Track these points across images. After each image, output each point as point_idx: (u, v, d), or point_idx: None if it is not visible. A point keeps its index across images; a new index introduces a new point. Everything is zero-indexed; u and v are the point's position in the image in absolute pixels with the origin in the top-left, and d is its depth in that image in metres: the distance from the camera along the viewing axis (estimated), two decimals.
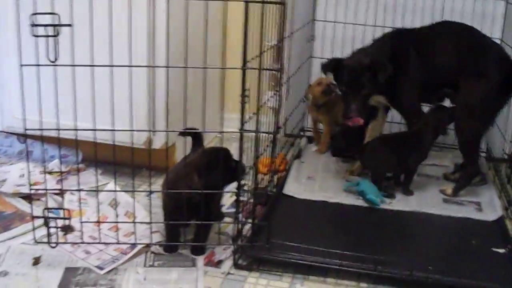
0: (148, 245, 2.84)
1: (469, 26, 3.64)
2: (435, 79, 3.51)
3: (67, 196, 3.24)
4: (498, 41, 4.06)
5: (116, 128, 2.60)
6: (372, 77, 3.32)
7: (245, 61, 2.52)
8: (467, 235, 3.18)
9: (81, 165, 3.69)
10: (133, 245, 2.83)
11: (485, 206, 3.49)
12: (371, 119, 3.58)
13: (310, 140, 4.43)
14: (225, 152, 2.77)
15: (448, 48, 3.51)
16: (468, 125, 3.48)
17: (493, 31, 4.21)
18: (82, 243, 2.79)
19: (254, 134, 2.70)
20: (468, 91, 3.41)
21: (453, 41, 3.52)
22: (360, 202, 3.41)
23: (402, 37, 3.58)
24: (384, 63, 3.36)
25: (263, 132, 2.71)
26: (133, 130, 2.63)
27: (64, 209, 2.81)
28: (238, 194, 2.76)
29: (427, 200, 3.50)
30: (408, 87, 3.51)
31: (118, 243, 2.82)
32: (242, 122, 2.62)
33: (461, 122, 3.47)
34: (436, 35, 3.57)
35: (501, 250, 2.96)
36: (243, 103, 2.53)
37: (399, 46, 3.51)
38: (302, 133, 4.48)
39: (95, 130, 2.57)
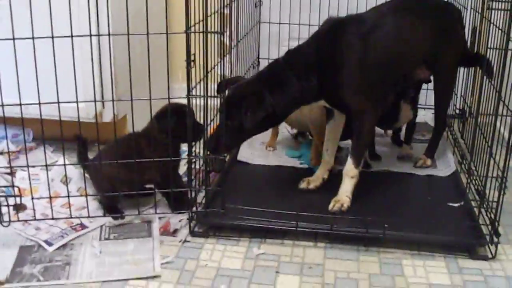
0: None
1: None
2: (396, 63, 3.01)
3: (18, 174, 3.19)
4: None
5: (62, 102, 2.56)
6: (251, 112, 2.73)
7: (188, 24, 2.48)
8: (422, 191, 3.21)
9: (32, 144, 3.65)
10: (87, 218, 2.81)
11: (439, 162, 3.51)
12: (329, 119, 3.16)
13: None
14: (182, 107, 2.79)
15: (415, 24, 3.08)
16: (450, 88, 3.49)
17: None
18: (34, 219, 2.74)
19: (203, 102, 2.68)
20: (448, 57, 3.27)
21: (415, 15, 3.10)
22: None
23: (344, 27, 2.89)
24: (262, 101, 2.74)
25: (211, 96, 2.68)
26: (78, 102, 2.57)
27: (14, 187, 2.78)
28: (190, 160, 2.74)
29: (382, 159, 3.52)
30: (354, 83, 2.86)
31: (70, 217, 2.78)
32: (189, 88, 2.60)
33: (446, 88, 3.40)
34: (392, 14, 3.04)
35: (456, 204, 2.98)
36: (188, 68, 2.50)
37: (338, 39, 2.85)
38: None
39: (39, 104, 2.52)
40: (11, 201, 2.70)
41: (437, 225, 2.81)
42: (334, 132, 3.17)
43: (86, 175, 2.99)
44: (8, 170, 3.12)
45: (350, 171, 2.95)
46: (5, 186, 2.93)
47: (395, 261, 2.65)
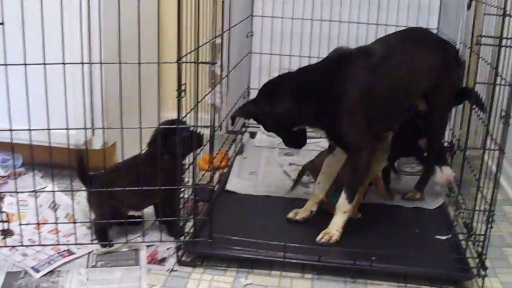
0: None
1: (420, 28, 3.55)
2: (402, 95, 3.03)
3: (7, 199, 3.17)
4: (435, 31, 4.12)
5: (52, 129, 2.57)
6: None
7: (179, 54, 2.50)
8: (410, 224, 3.22)
9: (21, 169, 3.64)
10: (74, 245, 2.80)
11: (427, 194, 3.52)
12: (329, 153, 3.11)
13: (252, 135, 4.42)
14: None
15: (416, 57, 3.06)
16: (444, 123, 3.45)
17: (430, 21, 4.26)
18: (22, 245, 2.74)
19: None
20: (445, 91, 3.24)
21: (422, 47, 3.13)
22: (303, 195, 3.40)
23: (353, 58, 2.90)
24: (252, 104, 3.06)
25: (201, 126, 2.69)
26: (68, 129, 2.58)
27: (2, 212, 2.77)
28: (178, 190, 2.74)
29: (371, 191, 3.52)
30: (352, 115, 2.85)
31: (58, 244, 2.78)
32: (179, 116, 2.60)
33: (440, 122, 3.38)
34: (393, 47, 3.05)
35: (444, 237, 2.99)
36: (179, 98, 2.51)
37: (345, 68, 2.87)
38: (244, 129, 4.47)
39: (29, 130, 2.53)
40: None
41: (425, 258, 2.81)
42: (331, 167, 3.12)
43: (78, 199, 2.98)
44: None
45: (343, 206, 2.92)
46: None
47: None
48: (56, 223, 2.76)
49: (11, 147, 2.67)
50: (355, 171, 2.93)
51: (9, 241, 2.85)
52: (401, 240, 3.01)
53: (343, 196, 2.92)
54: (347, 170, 2.99)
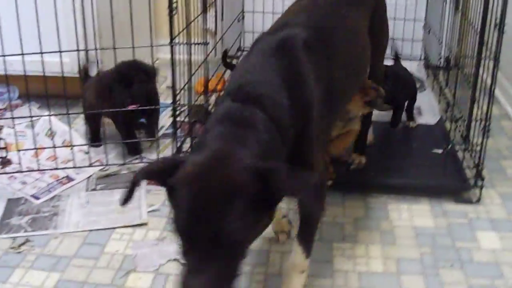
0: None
1: None
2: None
3: (5, 130, 3.18)
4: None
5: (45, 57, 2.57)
6: None
7: None
8: (408, 139, 3.22)
9: (18, 101, 3.63)
10: (73, 170, 2.84)
11: (425, 110, 3.52)
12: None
13: None
14: None
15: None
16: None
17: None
18: (20, 171, 2.76)
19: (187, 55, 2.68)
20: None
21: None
22: None
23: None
24: None
25: (195, 44, 2.68)
26: (61, 52, 2.57)
27: (0, 140, 2.79)
28: (174, 109, 2.74)
29: None
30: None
31: (56, 169, 2.80)
32: (172, 36, 2.59)
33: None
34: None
35: (440, 150, 2.99)
36: (171, 15, 2.49)
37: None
38: (239, 53, 4.44)
39: (22, 54, 2.52)
40: None
41: (422, 171, 2.83)
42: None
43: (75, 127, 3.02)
44: None
45: (300, 265, 2.02)
46: None
47: (380, 205, 2.67)
48: (54, 147, 2.77)
49: (5, 79, 2.67)
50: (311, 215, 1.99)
51: (8, 169, 2.87)
52: (398, 155, 3.02)
53: (298, 251, 2.00)
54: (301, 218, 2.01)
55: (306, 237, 2.01)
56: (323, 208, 2.09)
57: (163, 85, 3.80)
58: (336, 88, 1.98)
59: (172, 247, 2.29)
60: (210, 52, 3.02)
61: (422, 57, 4.25)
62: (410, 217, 2.58)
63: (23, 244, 2.40)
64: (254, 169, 1.40)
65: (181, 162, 1.46)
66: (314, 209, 1.79)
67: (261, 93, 1.67)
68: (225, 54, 3.39)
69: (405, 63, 3.65)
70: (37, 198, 2.69)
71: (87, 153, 2.95)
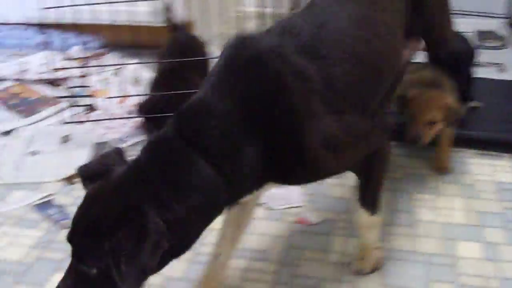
0: None
1: None
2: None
3: (93, 77, 3.26)
4: None
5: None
6: None
7: None
8: (489, 95, 3.18)
9: (102, 50, 3.70)
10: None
11: (507, 67, 3.47)
12: None
13: None
14: None
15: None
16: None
17: None
18: (108, 119, 2.83)
19: None
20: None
21: None
22: None
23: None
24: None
25: None
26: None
27: (86, 87, 2.85)
28: None
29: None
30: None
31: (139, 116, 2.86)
32: None
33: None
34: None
35: None
36: None
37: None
38: None
39: (111, 2, 2.57)
40: (84, 102, 2.78)
41: (505, 126, 2.80)
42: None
43: None
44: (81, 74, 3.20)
45: (365, 223, 1.99)
46: (78, 86, 2.99)
47: (463, 159, 2.66)
48: (139, 95, 2.81)
49: (95, 30, 2.71)
50: (370, 177, 1.93)
51: (93, 115, 2.95)
52: (483, 110, 2.95)
53: (361, 212, 1.96)
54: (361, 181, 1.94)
55: (367, 198, 1.94)
56: (384, 170, 1.93)
57: None
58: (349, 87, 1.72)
59: None
60: None
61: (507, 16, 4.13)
62: (492, 172, 2.56)
63: None
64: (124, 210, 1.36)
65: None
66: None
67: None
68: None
69: (486, 20, 3.59)
70: (123, 141, 2.76)
71: None
